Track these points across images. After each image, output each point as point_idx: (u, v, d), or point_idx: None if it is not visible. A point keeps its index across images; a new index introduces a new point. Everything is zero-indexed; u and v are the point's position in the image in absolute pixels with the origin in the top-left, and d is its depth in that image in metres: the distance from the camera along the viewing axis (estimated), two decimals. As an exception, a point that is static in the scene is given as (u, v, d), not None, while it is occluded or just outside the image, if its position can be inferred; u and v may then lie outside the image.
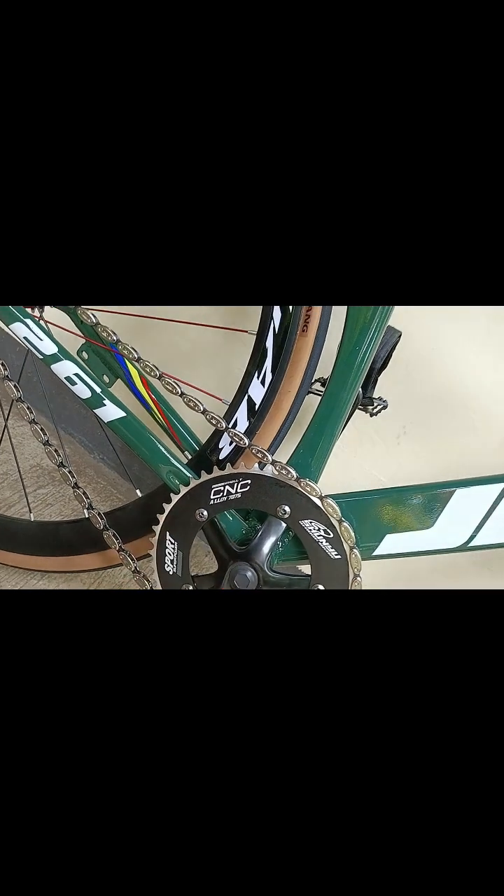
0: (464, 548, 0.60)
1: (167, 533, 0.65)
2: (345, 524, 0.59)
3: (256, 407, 0.66)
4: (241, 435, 0.61)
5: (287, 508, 0.60)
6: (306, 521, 0.60)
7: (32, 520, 0.85)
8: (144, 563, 0.72)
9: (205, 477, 0.62)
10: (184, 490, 0.63)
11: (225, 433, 0.62)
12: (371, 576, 0.64)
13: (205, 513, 0.62)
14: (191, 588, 0.66)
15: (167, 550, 0.65)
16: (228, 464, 0.62)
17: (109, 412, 0.64)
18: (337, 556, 0.60)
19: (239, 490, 0.60)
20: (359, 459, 0.86)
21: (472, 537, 0.59)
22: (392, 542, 0.61)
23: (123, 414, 0.64)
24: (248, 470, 0.60)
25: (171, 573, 0.66)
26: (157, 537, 0.65)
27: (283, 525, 0.62)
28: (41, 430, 0.68)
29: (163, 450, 0.65)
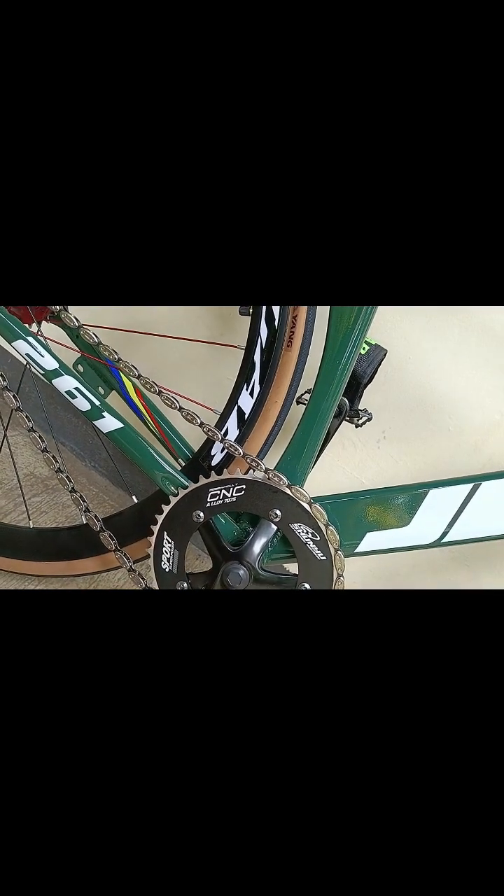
0: (436, 544, 0.64)
1: (165, 532, 0.68)
2: (331, 528, 0.63)
3: (246, 416, 0.70)
4: (236, 446, 0.65)
5: (279, 512, 0.63)
6: (296, 524, 0.64)
7: (31, 527, 0.88)
8: (139, 563, 0.75)
9: (203, 481, 0.65)
10: (183, 492, 0.66)
11: (217, 442, 0.66)
12: (355, 573, 0.68)
13: (201, 514, 0.66)
14: (185, 584, 0.69)
15: (164, 549, 0.68)
16: (222, 469, 0.66)
17: (108, 423, 0.67)
18: (322, 558, 0.64)
19: (235, 494, 0.64)
20: (342, 463, 0.90)
21: (444, 534, 0.63)
22: (372, 540, 0.65)
23: (121, 425, 0.67)
24: (245, 476, 0.64)
25: (166, 570, 0.69)
26: (154, 535, 0.68)
27: (274, 527, 0.65)
28: (39, 437, 0.70)
29: (158, 458, 0.68)
